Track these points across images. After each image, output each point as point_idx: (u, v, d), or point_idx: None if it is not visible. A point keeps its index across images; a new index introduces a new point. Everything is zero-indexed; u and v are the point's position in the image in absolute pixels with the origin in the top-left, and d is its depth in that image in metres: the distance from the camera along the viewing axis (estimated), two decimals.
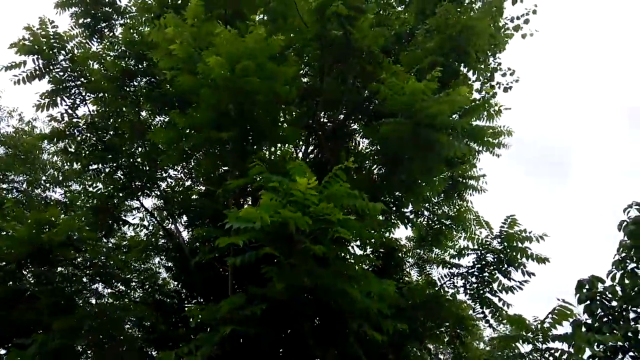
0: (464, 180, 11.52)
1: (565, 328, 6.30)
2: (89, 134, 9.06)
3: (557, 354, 5.93)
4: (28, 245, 7.88)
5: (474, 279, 8.53)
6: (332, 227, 5.60)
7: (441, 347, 10.77)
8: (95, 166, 9.41)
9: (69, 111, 8.95)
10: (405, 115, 7.40)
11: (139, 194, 9.66)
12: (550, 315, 5.93)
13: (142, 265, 10.69)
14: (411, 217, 11.41)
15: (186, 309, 6.52)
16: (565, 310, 5.90)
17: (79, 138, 9.07)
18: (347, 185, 5.83)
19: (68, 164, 11.10)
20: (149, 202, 10.58)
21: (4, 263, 8.17)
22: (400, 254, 12.21)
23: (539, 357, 5.98)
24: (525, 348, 6.11)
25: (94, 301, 9.61)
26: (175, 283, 10.41)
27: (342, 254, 6.88)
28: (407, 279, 11.46)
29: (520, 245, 8.16)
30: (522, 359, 5.99)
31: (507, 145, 10.10)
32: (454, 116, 7.97)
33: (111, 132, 9.31)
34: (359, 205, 5.96)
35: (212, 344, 6.31)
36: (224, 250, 8.33)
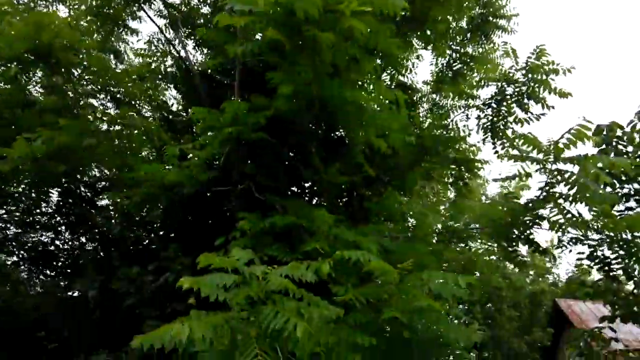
0: (494, 20, 10.63)
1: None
2: None
3: (566, 175, 5.75)
4: (27, 42, 7.51)
5: (489, 111, 8.16)
6: (344, 19, 5.08)
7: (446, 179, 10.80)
8: None
9: None
10: None
11: (142, 1, 8.98)
12: (566, 135, 5.62)
13: (148, 85, 10.40)
14: (432, 53, 10.80)
15: (190, 111, 6.33)
16: (583, 130, 5.57)
17: None
18: None
19: None
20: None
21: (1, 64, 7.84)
22: (415, 98, 11.80)
23: (546, 176, 5.82)
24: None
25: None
26: (183, 103, 10.24)
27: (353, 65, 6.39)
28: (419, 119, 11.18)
29: (544, 77, 7.64)
30: (527, 177, 5.85)
31: None
32: None
33: None
34: (377, 3, 5.37)
35: (217, 144, 6.22)
36: (229, 63, 8.01)
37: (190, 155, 6.48)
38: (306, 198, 8.33)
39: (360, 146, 6.51)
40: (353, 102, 5.99)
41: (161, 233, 7.78)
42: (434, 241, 6.96)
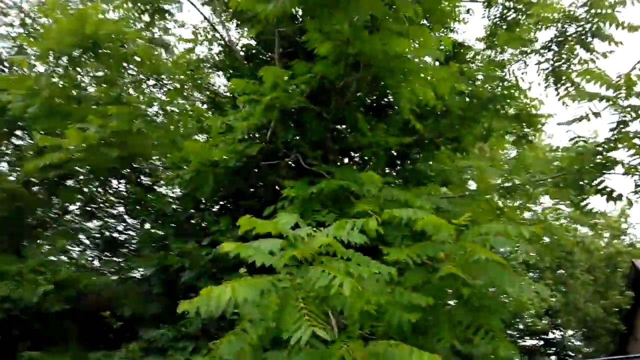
0: None
1: None
2: None
3: None
4: (74, 36, 7.75)
5: (550, 55, 7.45)
6: None
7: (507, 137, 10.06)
8: None
9: None
10: None
11: None
12: (639, 65, 4.98)
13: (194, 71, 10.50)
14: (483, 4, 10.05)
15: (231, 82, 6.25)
16: None
17: None
18: None
19: None
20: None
21: (51, 54, 8.13)
22: (467, 56, 11.11)
23: (618, 114, 5.19)
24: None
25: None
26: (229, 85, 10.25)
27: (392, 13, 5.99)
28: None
29: (609, 11, 6.85)
30: (596, 117, 5.24)
31: None
32: None
33: None
34: None
35: (259, 114, 6.11)
36: (268, 34, 7.86)
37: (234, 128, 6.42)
38: (356, 167, 8.09)
39: (408, 103, 6.13)
40: (396, 55, 5.64)
41: (214, 209, 7.86)
42: (495, 199, 6.47)
